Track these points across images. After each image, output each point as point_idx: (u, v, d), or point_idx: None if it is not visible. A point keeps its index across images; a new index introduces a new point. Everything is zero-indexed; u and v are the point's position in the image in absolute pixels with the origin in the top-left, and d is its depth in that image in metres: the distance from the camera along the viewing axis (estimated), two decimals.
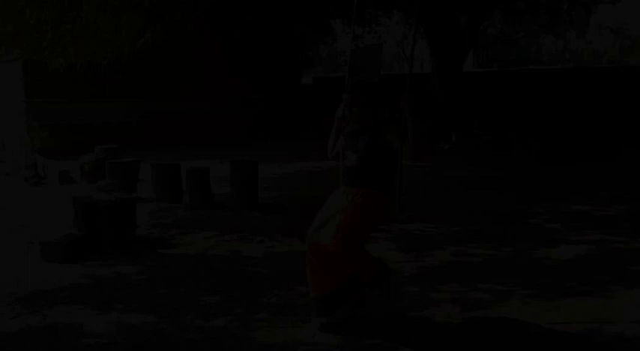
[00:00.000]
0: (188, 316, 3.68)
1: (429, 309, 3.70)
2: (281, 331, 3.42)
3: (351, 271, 3.25)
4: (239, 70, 13.50)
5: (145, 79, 12.40)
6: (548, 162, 10.03)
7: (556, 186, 8.12)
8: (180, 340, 3.33)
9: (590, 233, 5.57)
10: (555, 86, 14.91)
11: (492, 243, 5.27)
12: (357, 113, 3.25)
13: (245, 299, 3.97)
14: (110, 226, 5.21)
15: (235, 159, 7.03)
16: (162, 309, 3.81)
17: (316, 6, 16.19)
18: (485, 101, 15.15)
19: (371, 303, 3.55)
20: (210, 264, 4.84)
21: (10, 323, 3.60)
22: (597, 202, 6.99)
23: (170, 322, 3.59)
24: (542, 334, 3.31)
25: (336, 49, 34.89)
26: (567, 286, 4.09)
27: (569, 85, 14.64)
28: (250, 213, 6.55)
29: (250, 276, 4.53)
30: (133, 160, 7.70)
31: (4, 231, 5.98)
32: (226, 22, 12.57)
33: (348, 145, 3.30)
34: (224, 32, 12.63)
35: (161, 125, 12.81)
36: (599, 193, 7.48)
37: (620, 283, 4.10)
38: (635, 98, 13.64)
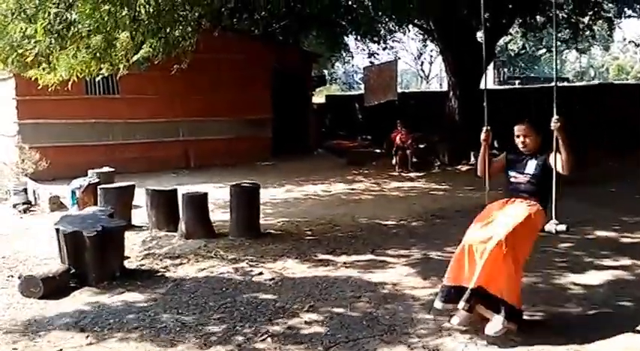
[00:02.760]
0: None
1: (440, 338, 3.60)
2: None
3: (504, 286, 3.51)
4: (246, 90, 13.40)
5: (145, 97, 12.34)
6: (572, 183, 9.62)
7: (580, 208, 7.75)
8: None
9: (616, 259, 5.34)
10: (579, 103, 14.59)
11: None
12: (530, 142, 3.93)
13: (246, 329, 3.86)
14: (96, 258, 4.98)
15: (235, 183, 6.81)
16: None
17: (329, 23, 16.16)
18: (505, 119, 14.85)
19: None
20: (204, 297, 4.61)
21: None
22: (624, 226, 6.68)
23: None
24: None
25: (353, 66, 35.09)
26: (594, 317, 3.91)
27: (593, 102, 14.31)
28: (250, 242, 6.29)
29: (248, 307, 4.31)
30: (127, 184, 7.51)
31: None
32: (232, 39, 12.53)
33: (516, 168, 3.97)
34: (229, 49, 12.59)
35: (163, 148, 12.68)
36: (625, 217, 7.15)
37: None
38: None
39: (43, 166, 10.09)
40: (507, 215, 3.67)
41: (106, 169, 9.09)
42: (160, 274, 5.34)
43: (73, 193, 7.98)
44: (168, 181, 10.53)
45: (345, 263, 5.40)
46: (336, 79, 36.47)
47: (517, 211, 3.70)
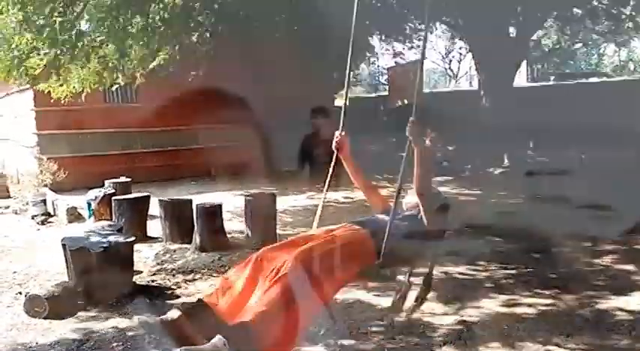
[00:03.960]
0: None
1: None
2: None
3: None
4: (265, 94, 13.23)
5: (164, 105, 12.28)
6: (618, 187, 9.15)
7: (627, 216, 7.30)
8: None
9: None
10: (620, 99, 14.00)
11: (551, 290, 4.71)
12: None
13: None
14: (103, 276, 4.84)
15: (248, 193, 6.63)
16: None
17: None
18: (541, 118, 14.37)
19: None
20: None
21: None
22: None
23: None
24: None
25: (378, 67, 34.69)
26: None
27: (636, 98, 13.71)
28: None
29: None
30: (142, 195, 7.41)
31: None
32: (251, 43, 12.37)
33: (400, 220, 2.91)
34: (248, 53, 12.43)
35: (184, 156, 12.61)
36: None
37: None
38: None
39: (61, 177, 10.11)
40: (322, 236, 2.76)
41: (122, 179, 9.02)
42: (170, 291, 5.19)
43: (89, 204, 7.93)
44: (188, 189, 10.45)
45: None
46: (360, 81, 36.12)
47: (342, 233, 2.80)
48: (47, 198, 9.35)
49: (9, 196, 10.92)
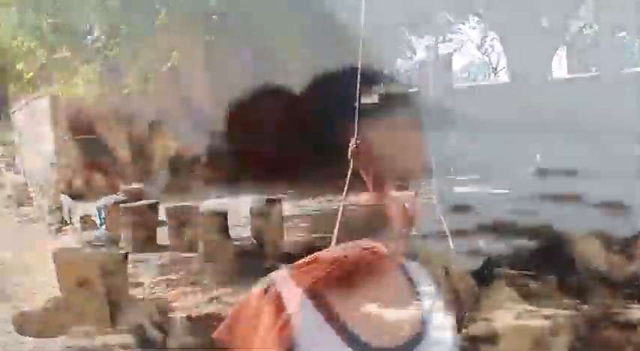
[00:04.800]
0: None
1: None
2: None
3: None
4: (283, 93, 13.00)
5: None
6: None
7: None
8: None
9: None
10: None
11: (571, 297, 4.46)
12: None
13: None
14: (94, 291, 4.67)
15: (253, 199, 6.41)
16: None
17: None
18: (579, 114, 13.68)
19: None
20: (209, 338, 4.17)
21: None
22: None
23: None
24: None
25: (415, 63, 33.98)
26: None
27: None
28: (274, 265, 5.82)
29: None
30: (150, 202, 7.28)
31: None
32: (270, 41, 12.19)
33: None
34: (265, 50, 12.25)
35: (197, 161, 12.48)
36: None
37: None
38: None
39: (77, 184, 10.11)
40: None
41: (135, 185, 8.93)
42: (168, 305, 5.00)
43: (99, 212, 7.85)
44: (208, 195, 10.30)
45: None
46: (396, 76, 35.55)
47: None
48: (63, 206, 9.36)
49: (31, 204, 11.03)
